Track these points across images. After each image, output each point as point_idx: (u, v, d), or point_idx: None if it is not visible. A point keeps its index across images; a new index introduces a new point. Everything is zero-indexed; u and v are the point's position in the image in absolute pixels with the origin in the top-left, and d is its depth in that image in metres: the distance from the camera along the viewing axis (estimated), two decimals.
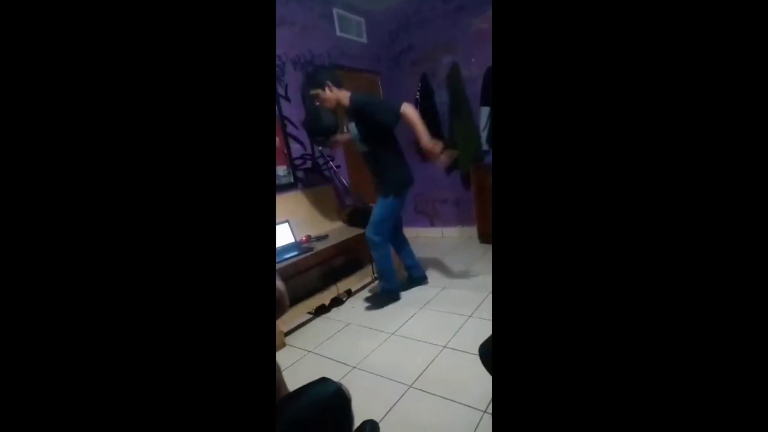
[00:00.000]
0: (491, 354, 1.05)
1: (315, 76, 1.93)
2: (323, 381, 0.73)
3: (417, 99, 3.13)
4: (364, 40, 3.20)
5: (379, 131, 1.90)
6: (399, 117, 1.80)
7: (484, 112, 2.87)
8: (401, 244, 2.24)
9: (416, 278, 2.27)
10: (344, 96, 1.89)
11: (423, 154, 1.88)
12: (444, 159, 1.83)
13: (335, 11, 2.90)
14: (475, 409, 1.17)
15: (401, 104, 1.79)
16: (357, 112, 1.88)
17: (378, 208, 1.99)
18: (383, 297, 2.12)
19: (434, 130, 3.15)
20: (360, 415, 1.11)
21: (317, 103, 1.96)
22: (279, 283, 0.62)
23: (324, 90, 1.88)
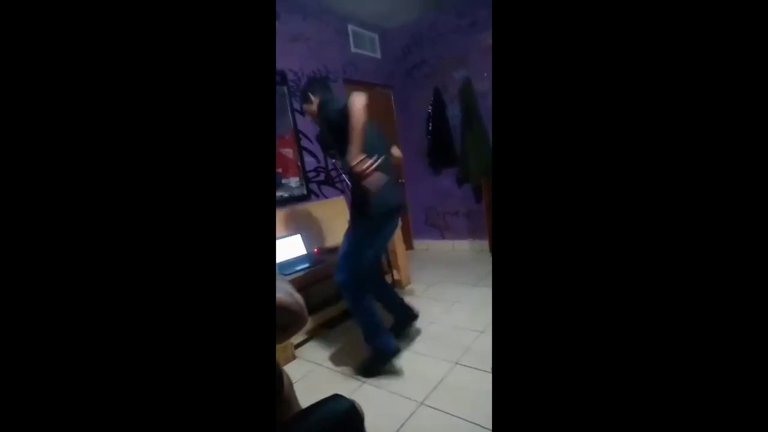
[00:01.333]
0: (492, 363, 1.04)
1: (304, 92, 1.63)
2: (336, 398, 0.73)
3: (429, 112, 3.16)
4: (378, 55, 3.26)
5: (339, 137, 1.40)
6: (345, 115, 1.32)
7: None
8: (382, 290, 1.76)
9: (402, 319, 1.79)
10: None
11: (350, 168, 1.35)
12: (371, 180, 1.32)
13: (350, 27, 2.97)
14: (487, 428, 1.14)
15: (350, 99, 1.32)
16: (319, 113, 1.52)
17: (344, 241, 1.56)
18: (376, 361, 1.55)
19: (446, 143, 3.18)
20: (369, 431, 1.10)
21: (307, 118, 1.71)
22: (297, 296, 0.63)
23: (309, 104, 1.59)
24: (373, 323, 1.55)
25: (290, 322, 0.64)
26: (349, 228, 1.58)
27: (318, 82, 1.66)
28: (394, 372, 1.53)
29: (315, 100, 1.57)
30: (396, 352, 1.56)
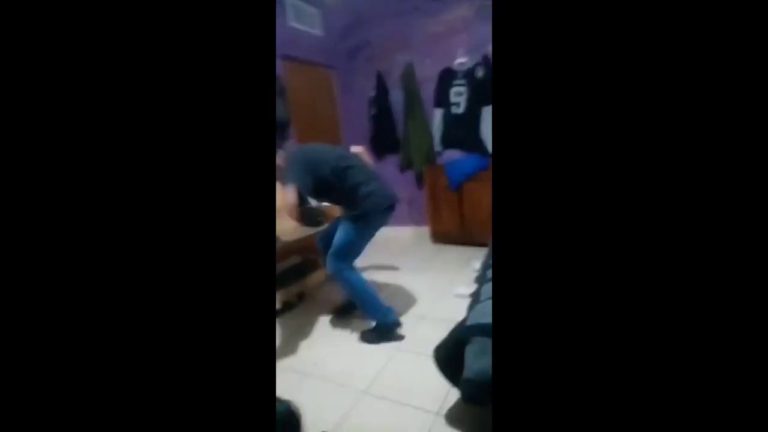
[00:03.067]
0: (446, 355, 1.07)
1: None
2: None
3: (372, 96, 3.11)
4: (320, 32, 3.10)
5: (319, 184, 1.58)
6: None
7: (438, 113, 2.93)
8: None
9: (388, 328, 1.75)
10: (280, 157, 1.63)
11: None
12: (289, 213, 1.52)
13: (287, 0, 2.76)
14: (428, 411, 1.19)
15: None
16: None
17: (339, 232, 1.69)
18: (378, 332, 1.68)
19: (389, 129, 3.16)
20: (312, 425, 1.07)
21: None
22: None
23: None
24: (371, 300, 1.69)
25: None
26: (341, 222, 1.72)
27: None
28: (397, 339, 1.67)
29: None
30: (396, 323, 1.71)
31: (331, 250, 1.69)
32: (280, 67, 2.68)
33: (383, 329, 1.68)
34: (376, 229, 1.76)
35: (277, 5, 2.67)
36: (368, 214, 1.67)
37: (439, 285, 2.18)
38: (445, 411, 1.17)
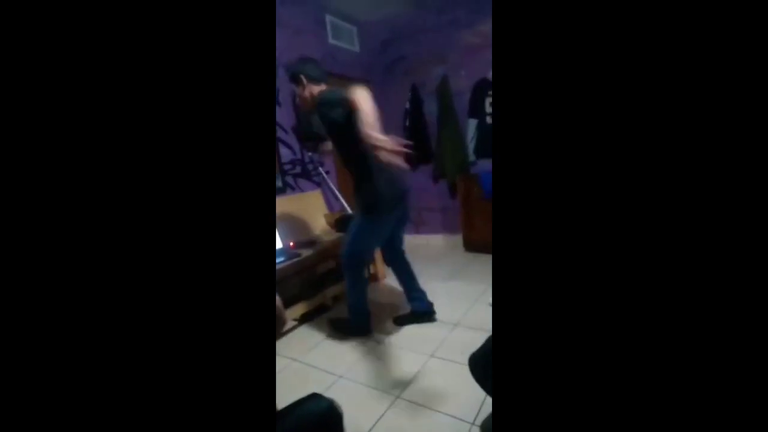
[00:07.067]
0: (482, 364, 1.07)
1: (295, 74, 1.57)
2: (314, 397, 0.72)
3: (407, 109, 3.16)
4: (357, 48, 3.22)
5: (340, 132, 1.50)
6: (350, 108, 1.31)
7: (471, 124, 2.93)
8: (401, 267, 1.90)
9: (419, 312, 1.89)
10: (317, 91, 1.55)
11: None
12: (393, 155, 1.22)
13: (328, 18, 2.90)
14: (464, 421, 1.18)
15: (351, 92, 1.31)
16: (318, 109, 1.53)
17: (351, 225, 1.68)
18: (349, 329, 1.84)
19: (423, 140, 3.20)
20: (347, 427, 1.10)
21: (297, 103, 1.66)
22: (277, 299, 0.61)
23: (300, 87, 1.57)
24: (359, 309, 1.81)
25: None
26: (355, 218, 1.69)
27: (310, 63, 1.64)
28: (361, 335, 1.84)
29: (309, 86, 1.57)
30: (368, 330, 1.84)
31: (344, 247, 1.68)
32: None
33: (354, 329, 1.83)
34: (390, 223, 1.64)
35: (317, 25, 2.81)
36: (380, 202, 1.52)
37: (472, 293, 2.16)
38: (481, 421, 1.16)
